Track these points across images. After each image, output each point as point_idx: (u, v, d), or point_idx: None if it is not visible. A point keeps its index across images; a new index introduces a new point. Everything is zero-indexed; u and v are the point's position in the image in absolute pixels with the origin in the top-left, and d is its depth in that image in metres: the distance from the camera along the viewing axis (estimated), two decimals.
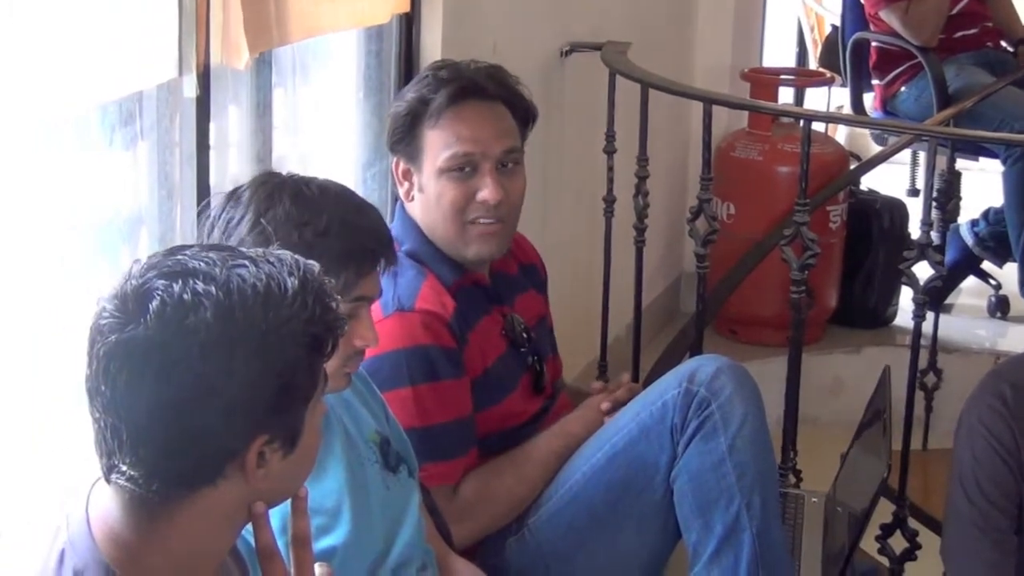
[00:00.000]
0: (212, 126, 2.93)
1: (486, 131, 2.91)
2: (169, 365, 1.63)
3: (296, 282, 1.70)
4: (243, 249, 1.74)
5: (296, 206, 2.26)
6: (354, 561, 2.34)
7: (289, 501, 1.83)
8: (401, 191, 2.98)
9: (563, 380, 3.30)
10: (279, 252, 1.75)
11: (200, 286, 1.65)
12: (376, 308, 2.55)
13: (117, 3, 2.61)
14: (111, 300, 1.66)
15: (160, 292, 1.64)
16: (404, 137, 2.93)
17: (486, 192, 2.88)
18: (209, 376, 1.63)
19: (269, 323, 1.66)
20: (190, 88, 2.81)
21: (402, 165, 2.96)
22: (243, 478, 1.70)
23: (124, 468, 1.67)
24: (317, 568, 1.88)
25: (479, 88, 2.93)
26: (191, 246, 1.74)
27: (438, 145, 2.89)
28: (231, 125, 3.17)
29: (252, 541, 1.81)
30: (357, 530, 2.34)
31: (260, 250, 1.75)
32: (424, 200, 2.93)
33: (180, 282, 1.65)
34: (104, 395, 1.65)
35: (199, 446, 1.67)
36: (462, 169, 2.88)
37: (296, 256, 1.75)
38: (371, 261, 2.30)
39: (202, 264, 1.68)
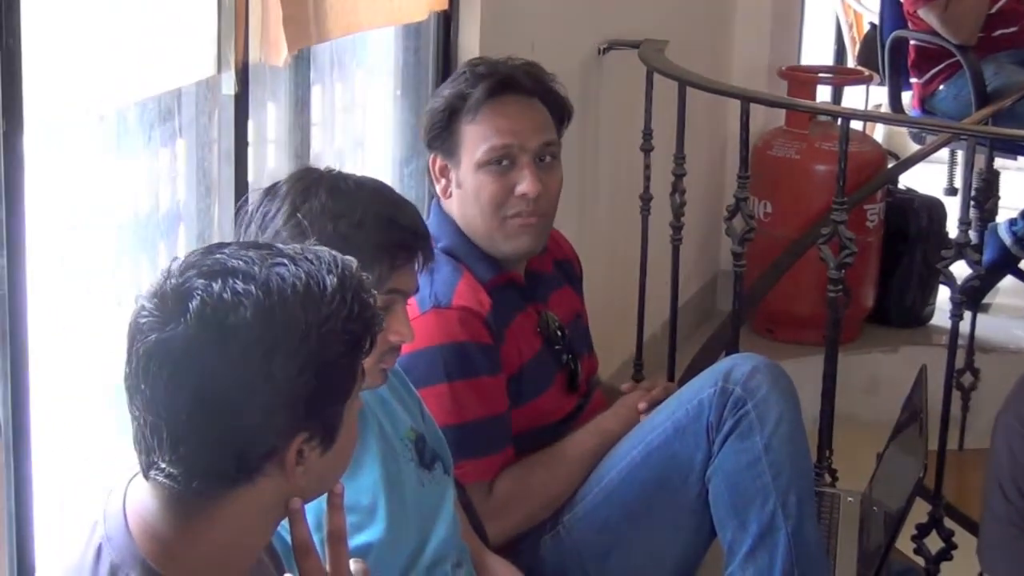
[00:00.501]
0: (250, 123, 2.94)
1: (523, 124, 2.91)
2: (209, 365, 1.63)
3: (335, 280, 1.70)
4: (282, 246, 1.75)
5: (332, 199, 2.27)
6: (389, 558, 2.35)
7: (324, 497, 1.84)
8: (438, 188, 2.99)
9: (598, 378, 3.30)
10: (317, 249, 1.75)
11: (240, 285, 1.65)
12: (412, 304, 2.56)
13: (157, 1, 2.63)
14: (150, 299, 1.67)
15: (200, 292, 1.64)
16: (442, 133, 2.93)
17: (525, 185, 2.88)
18: (249, 376, 1.64)
19: (309, 322, 1.67)
20: (228, 85, 2.82)
21: (439, 161, 2.96)
22: (282, 476, 1.70)
23: (164, 466, 1.67)
24: (352, 564, 1.89)
25: (516, 83, 2.94)
26: (229, 244, 1.74)
27: (476, 139, 2.90)
28: (269, 122, 3.19)
29: (287, 537, 1.82)
30: (392, 527, 2.35)
31: (298, 247, 1.75)
32: (462, 196, 2.93)
33: (220, 281, 1.65)
34: (144, 394, 1.66)
35: (238, 445, 1.67)
36: (500, 162, 2.89)
37: (334, 253, 1.75)
38: (406, 255, 2.30)
39: (241, 263, 1.68)
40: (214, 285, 1.65)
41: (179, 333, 1.63)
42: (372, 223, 2.26)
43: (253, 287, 1.65)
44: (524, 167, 2.89)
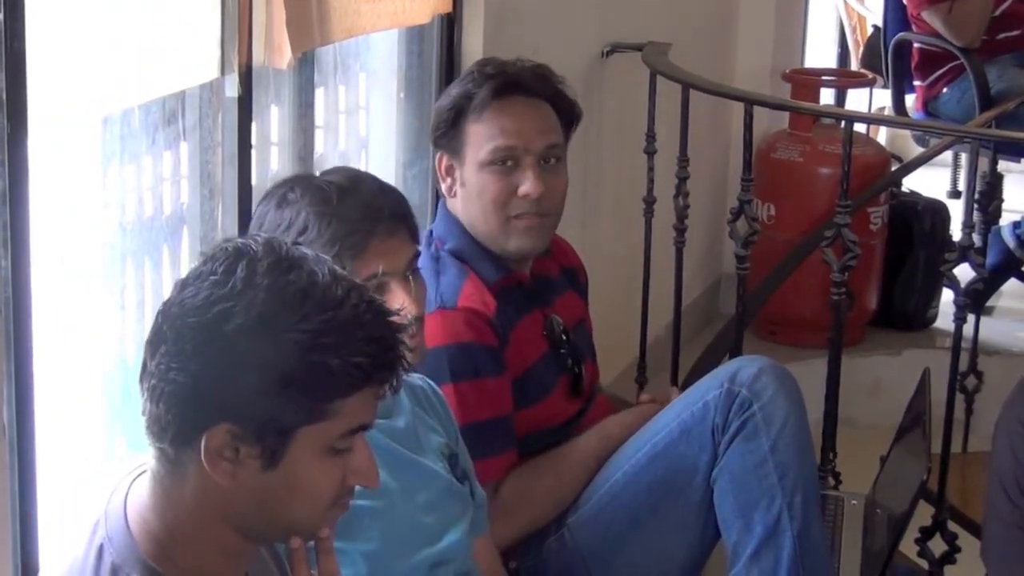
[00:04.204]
0: (254, 125, 2.94)
1: (529, 126, 2.91)
2: (199, 319, 1.68)
3: (370, 317, 1.72)
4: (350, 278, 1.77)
5: (310, 193, 2.37)
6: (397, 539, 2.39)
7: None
8: (443, 187, 2.99)
9: (600, 384, 3.30)
10: (372, 296, 1.76)
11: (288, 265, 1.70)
12: None
13: (160, 4, 2.63)
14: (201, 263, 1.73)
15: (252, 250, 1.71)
16: (448, 131, 2.94)
17: (527, 186, 2.89)
18: (227, 334, 1.66)
19: (310, 320, 1.68)
20: (232, 88, 2.82)
21: (445, 161, 2.97)
22: (207, 460, 1.69)
23: (144, 418, 1.71)
24: None
25: (523, 84, 2.94)
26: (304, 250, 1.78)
27: (481, 138, 2.90)
28: (273, 124, 3.19)
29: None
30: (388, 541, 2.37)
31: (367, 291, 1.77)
32: (466, 195, 2.94)
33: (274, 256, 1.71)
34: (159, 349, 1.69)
35: (183, 403, 1.68)
36: (504, 163, 2.89)
37: (386, 305, 1.76)
38: (375, 224, 2.34)
39: (298, 252, 1.74)
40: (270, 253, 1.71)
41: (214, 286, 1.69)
42: (337, 196, 2.34)
43: (295, 274, 1.70)
44: (528, 168, 2.90)
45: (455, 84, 3.02)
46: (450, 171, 2.96)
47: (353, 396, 1.71)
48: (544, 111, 2.95)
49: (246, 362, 1.66)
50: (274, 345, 1.66)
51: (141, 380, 1.72)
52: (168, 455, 1.72)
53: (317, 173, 2.48)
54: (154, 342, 1.71)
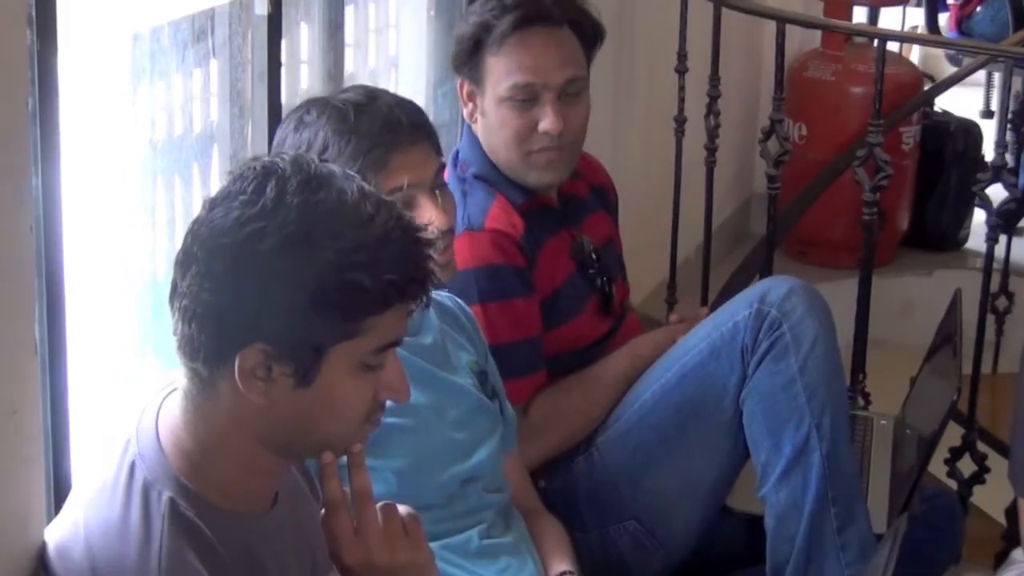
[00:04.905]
0: (283, 43, 2.93)
1: (548, 60, 2.89)
2: (230, 241, 1.68)
3: (400, 233, 1.73)
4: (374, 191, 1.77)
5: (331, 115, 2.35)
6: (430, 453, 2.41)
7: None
8: (465, 111, 2.98)
9: (630, 303, 3.30)
10: (405, 213, 1.77)
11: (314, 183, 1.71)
12: None
13: None
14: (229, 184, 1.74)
15: (280, 169, 1.71)
16: (468, 60, 2.92)
17: (547, 122, 2.87)
18: (257, 255, 1.67)
19: (343, 239, 1.68)
20: (262, 5, 2.81)
21: (467, 86, 2.95)
22: (239, 381, 1.70)
23: (175, 336, 1.73)
24: (379, 511, 1.89)
25: (544, 14, 2.91)
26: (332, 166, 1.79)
27: (499, 73, 2.88)
28: (302, 42, 3.18)
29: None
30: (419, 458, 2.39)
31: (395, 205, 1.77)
32: (486, 124, 2.93)
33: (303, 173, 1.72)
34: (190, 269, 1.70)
35: (217, 323, 1.69)
36: (523, 99, 2.88)
37: (415, 220, 1.77)
38: (395, 137, 2.33)
39: (328, 170, 1.74)
40: (298, 173, 1.71)
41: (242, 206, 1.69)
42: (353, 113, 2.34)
43: (323, 193, 1.70)
44: (547, 103, 2.88)
45: (474, 9, 2.97)
46: (471, 97, 2.95)
47: (385, 313, 1.72)
48: (565, 41, 2.92)
49: (279, 282, 1.67)
50: (308, 264, 1.67)
51: (171, 300, 1.73)
52: (201, 375, 1.73)
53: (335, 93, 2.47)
54: (184, 263, 1.71)
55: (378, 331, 1.73)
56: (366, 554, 1.87)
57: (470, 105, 2.96)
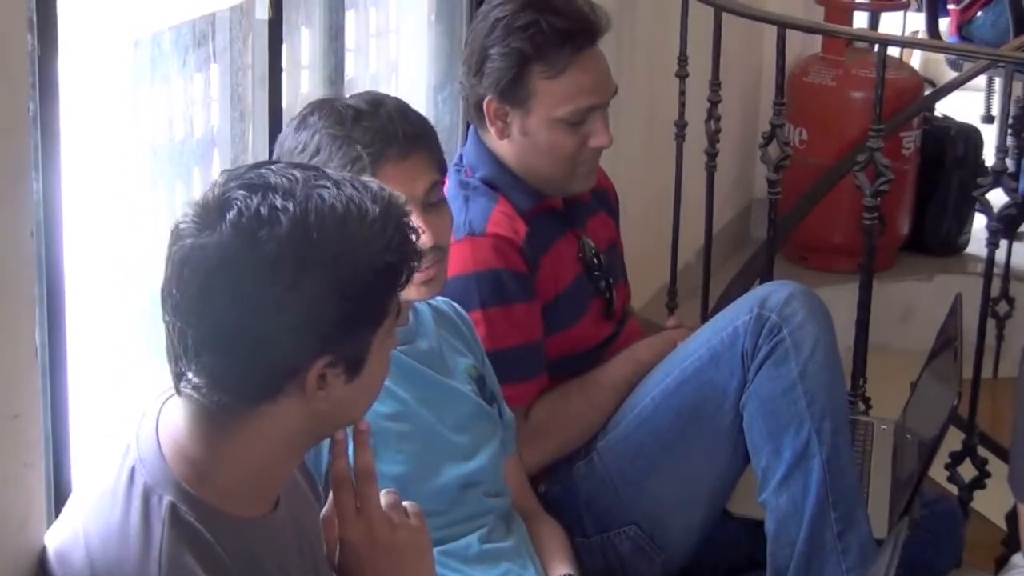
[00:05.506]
0: (284, 48, 2.93)
1: (602, 78, 2.93)
2: (240, 275, 1.66)
3: (378, 209, 1.72)
4: (328, 171, 1.76)
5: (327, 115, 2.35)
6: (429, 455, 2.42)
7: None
8: (492, 129, 2.92)
9: (631, 307, 3.30)
10: (366, 180, 1.77)
11: (279, 201, 1.67)
12: None
13: None
14: (193, 206, 1.70)
15: (238, 202, 1.67)
16: (511, 83, 2.86)
17: (602, 139, 2.91)
18: (277, 291, 1.65)
19: (344, 245, 1.68)
20: (262, 10, 2.81)
21: (496, 105, 2.90)
22: (303, 398, 1.72)
23: (190, 375, 1.70)
24: (383, 496, 1.91)
25: (594, 30, 2.90)
26: (277, 162, 1.78)
27: (556, 97, 2.87)
28: (303, 47, 3.18)
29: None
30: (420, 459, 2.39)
31: (347, 175, 1.77)
32: (527, 143, 2.90)
33: (259, 195, 1.67)
34: (175, 298, 1.69)
35: (261, 359, 1.69)
36: (579, 121, 2.88)
37: (382, 184, 1.77)
38: (385, 148, 2.31)
39: (284, 180, 1.70)
40: (253, 198, 1.67)
41: (212, 240, 1.66)
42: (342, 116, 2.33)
43: (291, 204, 1.67)
44: (599, 120, 2.90)
45: (511, 28, 2.87)
46: (500, 115, 2.90)
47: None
48: (603, 55, 2.94)
49: (318, 299, 1.68)
50: (333, 271, 1.68)
51: (181, 336, 1.70)
52: (224, 403, 1.72)
53: (347, 96, 2.47)
54: (204, 298, 1.68)
55: (396, 306, 1.79)
56: (367, 530, 1.89)
57: (498, 123, 2.91)
